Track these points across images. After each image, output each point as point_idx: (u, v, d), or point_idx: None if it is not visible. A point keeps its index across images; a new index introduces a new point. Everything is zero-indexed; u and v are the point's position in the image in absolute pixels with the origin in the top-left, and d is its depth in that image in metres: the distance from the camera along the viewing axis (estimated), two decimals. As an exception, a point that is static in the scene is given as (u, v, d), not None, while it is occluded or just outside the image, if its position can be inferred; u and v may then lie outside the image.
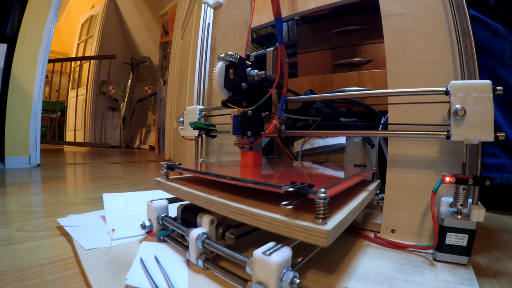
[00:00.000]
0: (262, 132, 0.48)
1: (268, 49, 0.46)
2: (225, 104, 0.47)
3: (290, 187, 0.26)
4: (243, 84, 0.44)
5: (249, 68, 0.45)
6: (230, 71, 0.45)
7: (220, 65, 0.46)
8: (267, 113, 0.49)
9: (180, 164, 0.45)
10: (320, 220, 0.24)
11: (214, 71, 0.46)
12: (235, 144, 0.49)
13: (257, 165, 0.48)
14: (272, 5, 0.46)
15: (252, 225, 0.29)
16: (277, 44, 0.46)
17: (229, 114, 0.68)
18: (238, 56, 0.44)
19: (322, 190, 0.25)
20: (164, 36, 2.71)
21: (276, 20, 0.47)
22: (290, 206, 0.25)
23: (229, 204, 0.31)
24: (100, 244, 0.39)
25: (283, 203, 0.25)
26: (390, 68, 0.44)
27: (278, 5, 0.46)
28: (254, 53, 0.48)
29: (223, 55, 0.43)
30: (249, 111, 0.45)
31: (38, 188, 0.86)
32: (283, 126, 0.51)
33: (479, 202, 0.35)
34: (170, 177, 0.45)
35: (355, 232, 0.46)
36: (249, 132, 0.46)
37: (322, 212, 0.25)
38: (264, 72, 0.45)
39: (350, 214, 0.30)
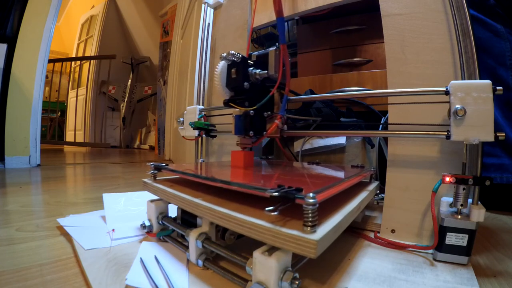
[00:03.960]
0: (264, 132, 0.47)
1: (270, 49, 0.45)
2: (227, 103, 0.46)
3: (276, 191, 0.24)
4: (245, 83, 0.43)
5: (251, 68, 0.45)
6: (232, 70, 0.44)
7: (222, 64, 0.45)
8: (269, 112, 0.49)
9: (167, 164, 0.44)
10: (309, 228, 0.22)
11: (216, 70, 0.45)
12: (237, 144, 0.49)
13: (248, 165, 0.47)
14: (274, 4, 0.46)
15: (236, 232, 0.27)
16: (277, 44, 0.46)
17: (229, 114, 0.68)
18: (241, 56, 0.43)
19: (311, 194, 0.22)
20: (164, 36, 2.71)
21: (278, 19, 0.47)
22: (275, 212, 0.23)
23: (212, 208, 0.30)
24: (100, 244, 0.39)
25: (267, 208, 0.23)
26: (390, 68, 0.44)
27: (280, 4, 0.46)
28: (256, 53, 0.48)
29: (225, 54, 0.43)
30: (251, 111, 0.45)
31: (38, 188, 0.86)
32: (285, 126, 0.51)
33: (479, 202, 0.35)
34: (159, 178, 0.44)
35: (355, 232, 0.46)
36: (251, 132, 0.46)
37: (310, 219, 0.22)
38: (266, 71, 0.44)
39: (345, 219, 0.28)
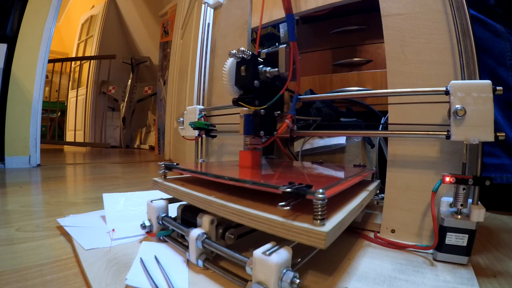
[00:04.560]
0: (275, 132, 0.47)
1: (281, 46, 0.44)
2: (236, 102, 0.45)
3: (288, 188, 0.25)
4: (256, 81, 0.42)
5: (261, 66, 0.44)
6: (242, 68, 0.43)
7: (230, 61, 0.44)
8: (279, 112, 0.48)
9: (178, 164, 0.44)
10: (318, 221, 0.24)
11: (224, 68, 0.44)
12: (246, 144, 0.48)
13: (255, 165, 0.47)
14: (283, 1, 0.46)
15: (249, 226, 0.28)
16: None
17: (229, 114, 0.68)
18: (251, 53, 0.42)
19: (320, 190, 0.24)
20: (164, 36, 2.71)
21: (287, 16, 0.46)
22: (288, 207, 0.24)
23: (226, 204, 0.30)
24: (100, 244, 0.39)
25: (280, 204, 0.25)
26: (390, 68, 0.44)
27: (289, 1, 0.45)
28: (265, 50, 0.46)
29: (234, 51, 0.42)
30: (262, 110, 0.44)
31: (38, 188, 0.86)
32: (295, 125, 0.50)
33: (479, 202, 0.35)
34: (168, 177, 0.45)
35: (355, 232, 0.46)
36: (261, 132, 0.45)
37: (320, 213, 0.24)
38: (277, 69, 0.43)
39: (349, 215, 0.29)
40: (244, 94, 0.45)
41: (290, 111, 0.46)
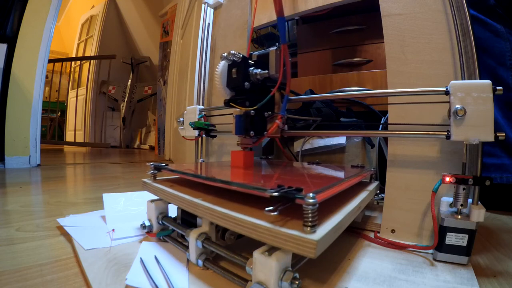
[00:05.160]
0: (265, 132, 0.47)
1: (271, 48, 0.45)
2: (227, 103, 0.46)
3: (275, 191, 0.24)
4: (246, 83, 0.43)
5: (252, 68, 0.45)
6: (233, 70, 0.44)
7: (222, 64, 0.45)
8: (269, 112, 0.48)
9: (167, 164, 0.44)
10: (308, 228, 0.22)
11: (216, 70, 0.45)
12: (238, 144, 0.49)
13: (248, 165, 0.47)
14: (275, 4, 0.46)
15: (236, 231, 0.27)
16: (277, 44, 0.45)
17: (230, 114, 0.68)
18: (241, 55, 0.43)
19: (311, 195, 0.22)
20: (164, 36, 2.71)
21: (278, 19, 0.47)
22: (275, 213, 0.23)
23: (212, 207, 0.30)
24: (100, 244, 0.39)
25: (267, 208, 0.23)
26: (390, 68, 0.44)
27: (280, 4, 0.46)
28: (256, 53, 0.48)
29: (225, 54, 0.43)
30: (252, 111, 0.45)
31: (38, 188, 0.86)
32: (286, 126, 0.51)
33: (479, 202, 0.35)
34: (159, 178, 0.44)
35: (355, 232, 0.46)
36: (251, 132, 0.45)
37: (310, 219, 0.22)
38: (267, 71, 0.44)
39: (344, 219, 0.28)
40: (235, 95, 0.46)
41: (281, 112, 0.46)
